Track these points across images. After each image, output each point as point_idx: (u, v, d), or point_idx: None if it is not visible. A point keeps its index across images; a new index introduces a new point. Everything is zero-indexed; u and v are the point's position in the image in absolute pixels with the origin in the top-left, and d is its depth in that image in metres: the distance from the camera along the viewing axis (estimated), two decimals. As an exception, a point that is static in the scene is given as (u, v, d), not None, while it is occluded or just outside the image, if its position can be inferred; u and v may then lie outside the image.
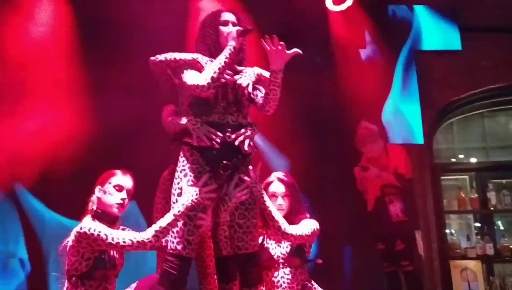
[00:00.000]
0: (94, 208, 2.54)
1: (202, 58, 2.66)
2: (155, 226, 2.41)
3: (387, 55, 4.64)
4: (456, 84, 5.13)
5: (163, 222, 2.41)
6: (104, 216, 2.52)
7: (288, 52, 2.49)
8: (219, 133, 2.54)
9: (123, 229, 2.58)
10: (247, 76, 2.69)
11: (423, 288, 4.47)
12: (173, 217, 2.42)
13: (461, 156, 5.56)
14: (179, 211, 2.44)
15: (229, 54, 2.56)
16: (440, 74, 5.11)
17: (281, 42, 2.47)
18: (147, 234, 2.39)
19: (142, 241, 2.37)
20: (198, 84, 2.49)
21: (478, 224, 5.33)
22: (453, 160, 5.54)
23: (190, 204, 2.45)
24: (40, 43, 3.39)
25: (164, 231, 2.40)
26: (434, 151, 5.28)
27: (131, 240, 2.36)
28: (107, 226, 2.45)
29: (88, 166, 3.04)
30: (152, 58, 2.67)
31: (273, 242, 2.91)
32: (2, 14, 3.36)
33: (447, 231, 5.10)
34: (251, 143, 2.67)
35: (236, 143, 2.57)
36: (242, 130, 2.61)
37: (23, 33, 3.41)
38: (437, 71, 5.11)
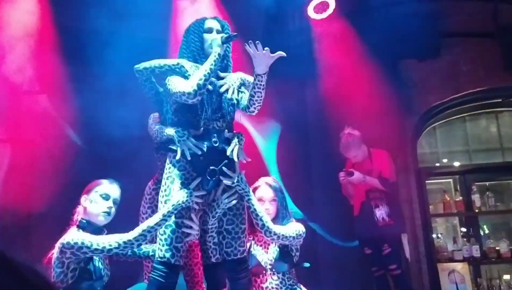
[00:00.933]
0: (79, 218, 2.51)
1: (186, 63, 2.67)
2: (143, 226, 2.39)
3: (369, 61, 4.69)
4: (437, 89, 5.22)
5: (150, 221, 2.40)
6: (90, 226, 2.49)
7: (272, 55, 2.51)
8: (204, 148, 2.53)
9: None
10: (231, 81, 2.71)
11: (412, 291, 4.49)
12: (161, 217, 2.40)
13: (444, 160, 5.64)
14: (168, 211, 2.42)
15: (214, 61, 2.57)
16: (421, 79, 5.19)
17: (266, 48, 2.50)
18: (134, 234, 2.36)
19: (129, 241, 2.34)
20: (184, 91, 2.49)
21: (463, 228, 5.38)
22: (437, 164, 5.61)
23: (179, 205, 2.43)
24: (20, 50, 3.36)
25: (151, 231, 2.38)
26: (418, 155, 5.34)
27: (117, 242, 2.34)
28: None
29: (73, 176, 3.00)
30: (136, 66, 2.67)
31: (260, 248, 2.92)
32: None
33: (434, 234, 5.13)
34: (243, 155, 2.68)
35: (228, 153, 2.57)
36: (234, 141, 2.62)
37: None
38: (418, 76, 5.19)
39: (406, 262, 4.53)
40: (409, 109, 5.15)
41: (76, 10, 3.36)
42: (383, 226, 4.19)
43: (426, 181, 5.24)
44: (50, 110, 3.26)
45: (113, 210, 2.56)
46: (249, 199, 2.66)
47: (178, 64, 2.63)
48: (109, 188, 2.58)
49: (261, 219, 2.68)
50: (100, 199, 2.53)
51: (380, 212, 4.24)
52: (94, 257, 2.45)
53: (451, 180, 5.56)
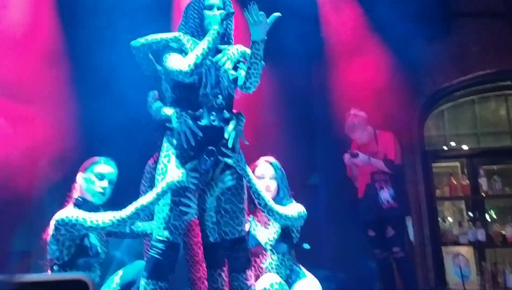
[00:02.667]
0: (76, 195, 2.50)
1: (184, 36, 2.61)
2: (136, 203, 2.37)
3: (377, 41, 4.60)
4: (446, 71, 5.12)
5: (144, 199, 2.38)
6: (86, 204, 2.48)
7: (268, 20, 2.43)
8: (199, 133, 2.49)
9: None
10: (229, 54, 2.64)
11: (415, 274, 4.47)
12: (155, 196, 2.38)
13: (452, 143, 5.56)
14: (162, 190, 2.39)
15: (213, 38, 2.51)
16: (429, 60, 5.09)
17: (260, 12, 2.41)
18: (127, 211, 2.35)
19: (122, 218, 2.33)
20: (181, 70, 2.44)
21: (470, 212, 5.33)
22: (445, 147, 5.54)
23: (173, 185, 2.41)
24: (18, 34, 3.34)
25: (145, 209, 2.36)
26: (425, 138, 5.27)
27: (110, 219, 2.33)
28: None
29: (72, 154, 3.00)
30: (132, 42, 2.62)
31: (261, 228, 2.89)
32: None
33: (439, 217, 5.09)
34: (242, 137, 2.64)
35: (226, 135, 2.53)
36: (232, 121, 2.57)
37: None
38: (426, 57, 5.08)
39: (410, 245, 4.50)
40: (417, 90, 5.06)
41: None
42: (387, 208, 4.16)
43: (433, 164, 5.19)
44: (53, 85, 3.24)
45: (108, 190, 2.55)
46: (249, 179, 2.63)
47: (175, 37, 2.58)
48: (105, 167, 2.56)
49: (263, 199, 2.65)
50: (95, 178, 2.51)
51: (385, 194, 4.20)
52: (91, 234, 2.44)
53: (458, 163, 5.49)
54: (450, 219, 5.26)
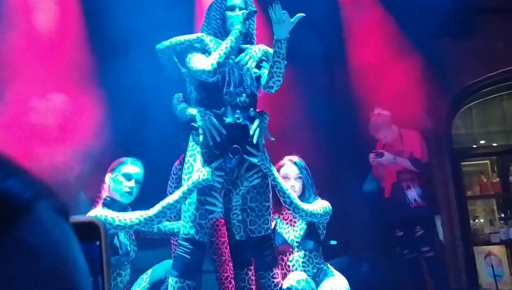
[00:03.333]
0: (104, 195, 2.57)
1: (206, 37, 2.66)
2: (163, 202, 2.42)
3: (400, 40, 4.57)
4: (472, 68, 5.03)
5: (170, 198, 2.43)
6: (114, 203, 2.55)
7: (292, 19, 2.46)
8: (223, 130, 2.52)
9: None
10: (251, 53, 2.68)
11: (446, 274, 4.39)
12: (181, 194, 2.43)
13: (481, 141, 5.45)
14: (187, 189, 2.44)
15: (235, 38, 2.55)
16: (455, 58, 5.01)
17: (284, 11, 2.44)
18: (154, 210, 2.40)
19: (149, 217, 2.38)
20: (204, 70, 2.49)
21: (501, 210, 5.21)
22: (474, 145, 5.44)
23: (199, 183, 2.45)
24: (45, 34, 3.45)
25: (171, 208, 2.41)
26: (453, 136, 5.19)
27: (138, 218, 2.38)
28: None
29: (100, 155, 3.07)
30: (158, 45, 2.68)
31: (287, 226, 2.91)
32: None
33: (470, 217, 5.00)
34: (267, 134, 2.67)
35: (251, 132, 2.56)
36: (257, 120, 2.60)
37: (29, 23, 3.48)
38: (452, 55, 5.01)
39: (440, 245, 4.43)
40: (443, 88, 4.98)
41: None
42: (415, 207, 4.11)
43: (462, 163, 5.09)
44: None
45: (135, 190, 2.61)
46: (274, 178, 2.65)
47: (198, 38, 2.63)
48: (132, 168, 2.62)
49: (288, 197, 2.66)
50: (122, 178, 2.58)
51: (412, 194, 4.15)
52: (120, 233, 2.50)
53: (488, 161, 5.38)
54: (481, 218, 5.15)
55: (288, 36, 2.47)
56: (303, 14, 2.46)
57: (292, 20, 2.44)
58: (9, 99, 3.16)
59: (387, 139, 4.25)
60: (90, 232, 0.49)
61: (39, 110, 3.21)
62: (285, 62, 2.56)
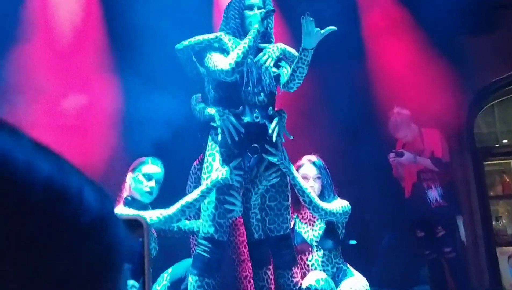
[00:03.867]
0: (126, 195, 2.60)
1: (225, 36, 2.67)
2: (182, 201, 2.44)
3: (420, 37, 4.51)
4: (494, 65, 4.94)
5: (189, 197, 2.45)
6: (134, 202, 2.57)
7: (322, 31, 2.47)
8: (241, 129, 2.53)
9: None
10: (270, 52, 2.68)
11: (468, 275, 4.32)
12: (200, 193, 2.45)
13: (504, 140, 5.36)
14: (206, 188, 2.46)
15: (253, 37, 2.56)
16: (477, 55, 4.93)
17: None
18: (173, 209, 2.42)
19: (169, 216, 2.41)
20: (222, 69, 2.50)
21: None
22: (496, 145, 5.34)
23: (218, 182, 2.46)
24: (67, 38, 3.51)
25: (190, 206, 2.43)
26: (475, 135, 5.10)
27: (157, 217, 2.41)
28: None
29: (121, 154, 3.11)
30: (177, 45, 2.70)
31: (305, 225, 2.90)
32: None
33: (492, 217, 4.91)
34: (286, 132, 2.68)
35: (270, 131, 2.56)
36: (275, 119, 2.60)
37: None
38: (473, 52, 4.93)
39: (462, 246, 4.37)
40: (465, 86, 4.90)
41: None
42: (436, 207, 4.05)
43: (484, 162, 5.01)
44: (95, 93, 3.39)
45: (155, 189, 2.63)
46: (294, 177, 2.64)
47: (216, 37, 2.64)
48: (152, 167, 2.65)
49: (307, 196, 2.66)
50: (143, 178, 2.60)
51: (433, 194, 4.10)
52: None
53: (510, 160, 5.28)
54: (504, 219, 5.06)
55: (315, 46, 2.50)
56: (334, 28, 2.48)
57: (322, 32, 2.47)
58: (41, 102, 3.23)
59: (407, 138, 4.20)
60: (134, 229, 0.52)
61: (65, 112, 3.27)
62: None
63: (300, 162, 2.95)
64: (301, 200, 2.70)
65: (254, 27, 2.58)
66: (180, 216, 2.43)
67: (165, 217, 2.41)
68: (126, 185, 2.63)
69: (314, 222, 2.89)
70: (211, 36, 2.66)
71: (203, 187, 2.47)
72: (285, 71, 2.64)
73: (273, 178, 2.62)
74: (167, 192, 2.77)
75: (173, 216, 2.41)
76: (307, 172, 2.89)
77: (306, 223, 2.91)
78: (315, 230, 2.86)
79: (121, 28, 3.44)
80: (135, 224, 0.53)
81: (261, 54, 2.66)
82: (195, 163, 3.18)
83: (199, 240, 2.55)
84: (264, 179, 2.60)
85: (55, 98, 3.32)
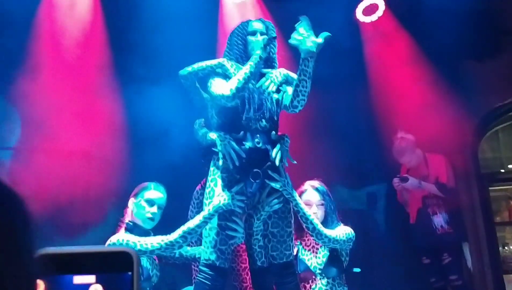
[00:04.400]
0: (127, 220, 2.58)
1: (227, 62, 2.68)
2: (183, 227, 2.41)
3: (423, 63, 4.53)
4: (498, 90, 4.93)
5: (191, 223, 2.42)
6: (136, 228, 2.55)
7: (319, 36, 2.44)
8: (242, 154, 2.51)
9: None
10: (272, 77, 2.68)
11: (475, 304, 4.24)
12: (201, 219, 2.42)
13: (510, 165, 5.32)
14: (208, 213, 2.43)
15: (255, 63, 2.56)
16: (480, 80, 4.93)
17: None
18: (175, 235, 2.39)
19: (170, 242, 2.37)
20: (223, 94, 2.49)
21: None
22: (502, 170, 5.30)
23: (220, 208, 2.43)
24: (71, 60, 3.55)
25: (192, 232, 2.40)
26: (480, 160, 5.06)
27: (159, 243, 2.37)
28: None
29: (123, 180, 3.10)
30: (181, 71, 2.71)
31: (309, 253, 2.86)
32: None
33: (499, 243, 4.84)
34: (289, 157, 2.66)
35: (273, 155, 2.54)
36: (278, 144, 2.59)
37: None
38: (477, 77, 4.93)
39: (469, 273, 4.29)
40: (469, 111, 4.88)
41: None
42: (442, 234, 4.01)
43: (489, 188, 4.96)
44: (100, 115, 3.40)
45: (157, 215, 2.61)
46: (297, 204, 2.61)
47: (219, 63, 2.65)
48: (155, 193, 2.63)
49: (311, 223, 2.62)
50: (145, 204, 2.58)
51: (439, 219, 4.05)
52: (142, 258, 2.49)
53: (517, 186, 5.23)
54: (511, 245, 4.98)
55: (315, 54, 2.45)
56: (329, 34, 2.45)
57: (320, 36, 2.44)
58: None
59: (412, 163, 4.18)
60: (123, 261, 0.50)
61: (67, 137, 3.28)
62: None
63: (302, 188, 2.93)
64: (304, 227, 2.66)
65: (256, 53, 2.59)
66: (181, 242, 2.40)
67: (167, 243, 2.38)
68: (128, 211, 2.61)
69: (317, 249, 2.85)
70: (214, 62, 2.67)
71: (205, 212, 2.44)
72: (290, 90, 2.61)
73: (276, 204, 2.59)
74: (169, 217, 2.74)
75: (175, 242, 2.38)
76: (310, 199, 2.86)
77: (309, 250, 2.87)
78: (319, 258, 2.82)
79: (126, 55, 3.47)
80: (124, 257, 0.50)
81: (263, 79, 2.66)
82: (197, 188, 3.16)
83: (200, 267, 2.51)
84: (266, 205, 2.57)
85: (57, 122, 3.33)
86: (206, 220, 2.43)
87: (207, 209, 2.45)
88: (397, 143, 4.14)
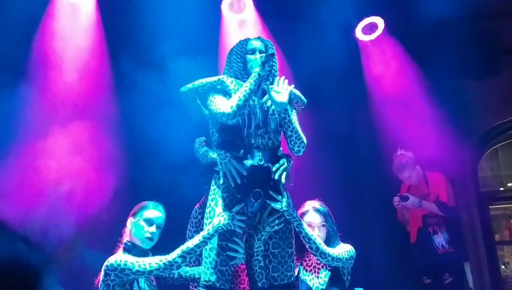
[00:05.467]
0: (126, 240, 2.53)
1: (227, 79, 2.67)
2: (182, 247, 2.36)
3: (423, 82, 4.54)
4: (496, 109, 4.95)
5: (190, 243, 2.37)
6: (134, 248, 2.50)
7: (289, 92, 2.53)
8: (244, 172, 2.50)
9: None
10: None
11: (477, 324, 4.19)
12: (201, 239, 2.36)
13: (509, 184, 5.31)
14: (208, 233, 2.38)
15: (254, 81, 2.55)
16: (480, 99, 4.95)
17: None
18: (173, 255, 2.34)
19: (169, 262, 2.32)
20: (224, 112, 2.47)
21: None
22: (501, 188, 5.29)
23: (220, 228, 2.39)
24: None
25: (191, 252, 2.34)
26: (479, 179, 5.05)
27: (157, 263, 2.32)
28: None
29: (120, 198, 3.06)
30: (181, 88, 2.70)
31: (310, 273, 2.81)
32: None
33: (500, 262, 4.80)
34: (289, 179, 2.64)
35: (276, 176, 2.52)
36: (281, 162, 2.57)
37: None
38: (476, 96, 4.95)
39: (470, 293, 4.24)
40: (468, 130, 4.90)
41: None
42: (443, 253, 3.98)
43: (490, 207, 4.94)
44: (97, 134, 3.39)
45: (156, 235, 2.57)
46: (299, 224, 2.57)
47: (219, 80, 2.64)
48: (153, 212, 2.60)
49: (314, 242, 2.59)
50: (144, 223, 2.55)
51: (439, 239, 4.03)
52: (140, 279, 2.44)
53: (517, 205, 5.21)
54: (511, 264, 4.94)
55: (287, 107, 2.54)
56: (292, 87, 2.55)
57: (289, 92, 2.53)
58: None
59: (412, 180, 4.17)
60: None
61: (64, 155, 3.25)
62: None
63: (303, 209, 2.89)
64: (307, 247, 2.62)
65: (255, 71, 2.58)
66: (180, 263, 2.34)
67: (165, 264, 2.32)
68: (127, 230, 2.57)
69: (319, 269, 2.81)
70: (213, 79, 2.65)
71: (204, 232, 2.39)
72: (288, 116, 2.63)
73: (277, 224, 2.55)
74: (167, 236, 2.70)
75: (173, 262, 2.33)
76: (312, 220, 2.82)
77: (310, 270, 2.82)
78: (321, 278, 2.77)
79: (125, 74, 3.46)
80: None
81: (266, 97, 2.64)
82: (196, 206, 3.12)
83: (200, 289, 2.46)
84: (267, 225, 2.53)
85: (54, 144, 3.31)
86: (205, 240, 2.38)
87: (207, 229, 2.41)
88: (397, 159, 4.14)
